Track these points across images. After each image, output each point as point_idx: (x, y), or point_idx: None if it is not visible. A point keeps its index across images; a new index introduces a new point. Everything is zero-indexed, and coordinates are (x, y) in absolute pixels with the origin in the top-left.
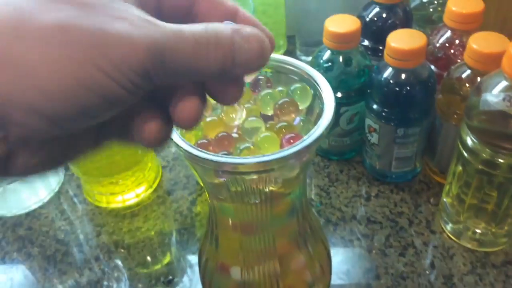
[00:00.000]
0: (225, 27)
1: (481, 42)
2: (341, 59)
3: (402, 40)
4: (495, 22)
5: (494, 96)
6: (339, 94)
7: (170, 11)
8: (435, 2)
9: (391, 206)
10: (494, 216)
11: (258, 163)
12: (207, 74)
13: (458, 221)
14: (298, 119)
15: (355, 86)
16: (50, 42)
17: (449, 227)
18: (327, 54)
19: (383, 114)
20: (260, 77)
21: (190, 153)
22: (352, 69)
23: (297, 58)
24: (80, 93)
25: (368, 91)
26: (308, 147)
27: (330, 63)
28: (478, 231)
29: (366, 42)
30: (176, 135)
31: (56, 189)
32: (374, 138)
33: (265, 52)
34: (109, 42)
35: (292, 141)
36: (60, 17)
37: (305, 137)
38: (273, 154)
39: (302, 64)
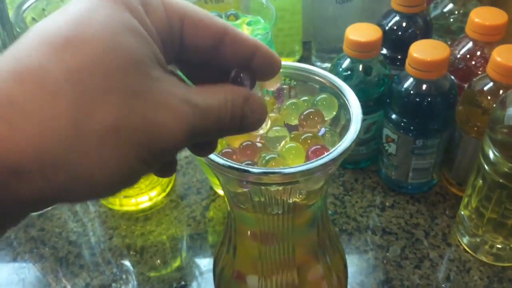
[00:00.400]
0: (239, 97)
1: (505, 55)
2: (361, 67)
3: (424, 50)
4: None
5: None
6: None
7: (194, 51)
8: (456, 12)
9: (407, 217)
10: None
11: (284, 174)
12: (218, 137)
13: (475, 235)
14: (323, 130)
15: (374, 95)
16: (104, 145)
17: (465, 240)
18: (346, 62)
19: (402, 124)
20: (283, 86)
21: (215, 162)
22: (371, 78)
23: (312, 64)
24: (119, 182)
25: (387, 100)
26: (334, 159)
27: (349, 72)
28: (497, 245)
29: (384, 51)
30: None
31: None
32: (391, 148)
33: (263, 121)
34: (154, 137)
35: (318, 153)
36: (113, 114)
37: (332, 150)
38: (299, 166)
39: (327, 74)
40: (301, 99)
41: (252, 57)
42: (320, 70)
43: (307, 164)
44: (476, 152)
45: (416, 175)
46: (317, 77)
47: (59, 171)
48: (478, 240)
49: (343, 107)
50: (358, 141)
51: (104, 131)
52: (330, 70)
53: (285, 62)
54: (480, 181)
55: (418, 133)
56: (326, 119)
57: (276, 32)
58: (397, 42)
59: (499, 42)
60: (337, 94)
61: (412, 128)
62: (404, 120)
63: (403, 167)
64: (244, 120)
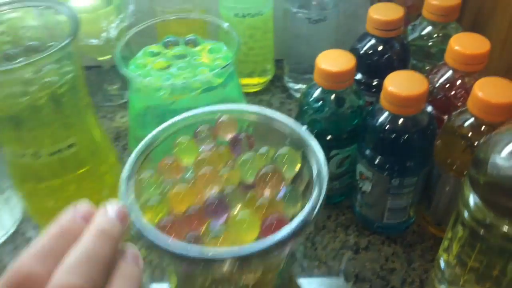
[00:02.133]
0: None
1: (487, 90)
2: (333, 98)
3: (401, 84)
4: (499, 63)
5: (505, 159)
6: (329, 137)
7: None
8: (435, 36)
9: (382, 261)
10: (498, 283)
11: (233, 256)
12: None
13: (455, 283)
14: (283, 190)
15: (347, 128)
16: None
17: None
18: (317, 92)
19: (377, 161)
20: (240, 135)
21: (146, 238)
22: (344, 110)
23: (285, 84)
24: None
25: (361, 135)
26: (294, 234)
27: (320, 103)
28: None
29: (359, 76)
30: (134, 211)
31: (12, 230)
32: (365, 186)
33: None
34: None
35: (274, 226)
36: None
37: (292, 222)
38: (251, 245)
39: (291, 122)
40: (259, 151)
41: None
42: (280, 116)
43: (261, 242)
44: (456, 192)
45: (392, 215)
46: (279, 124)
47: None
48: None
49: (308, 161)
50: (331, 176)
51: None
52: (300, 100)
53: (243, 106)
54: (460, 228)
55: (395, 171)
56: (287, 177)
57: (247, 51)
58: (373, 68)
59: (481, 72)
60: (301, 144)
61: (388, 166)
62: (379, 156)
63: (378, 206)
64: None
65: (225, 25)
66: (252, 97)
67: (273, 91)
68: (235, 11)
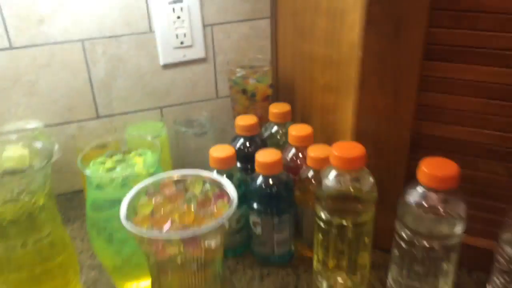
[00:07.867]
0: None
1: (315, 151)
2: (225, 176)
3: (265, 156)
4: (321, 138)
5: (329, 181)
6: None
7: None
8: (280, 131)
9: (280, 280)
10: (351, 267)
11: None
12: None
13: (325, 270)
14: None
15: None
16: None
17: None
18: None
19: (262, 209)
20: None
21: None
22: (234, 182)
23: None
24: None
25: (249, 196)
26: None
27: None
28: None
29: (238, 164)
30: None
31: None
32: (258, 230)
33: None
34: None
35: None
36: None
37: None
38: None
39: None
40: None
41: None
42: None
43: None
44: (313, 216)
45: (280, 248)
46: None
47: None
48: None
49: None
50: (233, 230)
51: None
52: None
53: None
54: (320, 236)
55: (274, 213)
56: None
57: None
58: (244, 157)
59: (310, 145)
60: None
61: (269, 211)
62: (262, 206)
63: (268, 243)
64: None
65: (148, 137)
66: None
67: None
68: None
